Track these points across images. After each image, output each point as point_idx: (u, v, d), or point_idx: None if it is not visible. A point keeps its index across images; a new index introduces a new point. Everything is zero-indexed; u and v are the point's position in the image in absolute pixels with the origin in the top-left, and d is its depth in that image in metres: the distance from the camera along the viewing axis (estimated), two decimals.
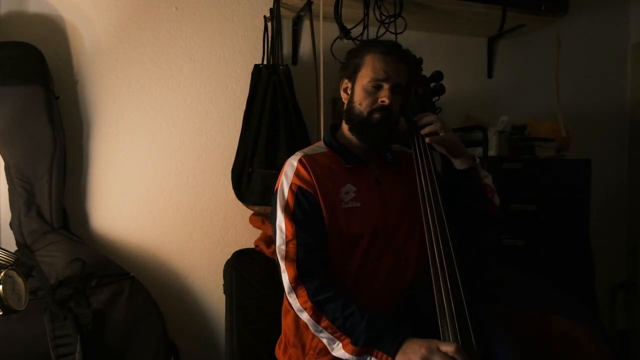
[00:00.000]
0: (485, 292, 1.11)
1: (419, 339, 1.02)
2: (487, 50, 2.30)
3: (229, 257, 1.70)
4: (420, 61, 1.48)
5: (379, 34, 1.72)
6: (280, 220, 1.23)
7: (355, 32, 1.77)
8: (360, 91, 1.28)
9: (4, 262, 1.14)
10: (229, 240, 1.90)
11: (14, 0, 1.66)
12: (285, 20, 1.95)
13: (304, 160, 1.28)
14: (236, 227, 1.91)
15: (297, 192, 1.23)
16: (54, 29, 1.70)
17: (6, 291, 1.08)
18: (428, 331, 1.05)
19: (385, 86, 1.25)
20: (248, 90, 1.82)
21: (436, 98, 1.48)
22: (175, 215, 1.84)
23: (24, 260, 1.22)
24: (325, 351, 1.19)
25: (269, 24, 1.89)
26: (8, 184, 1.60)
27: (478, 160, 1.34)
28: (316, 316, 1.11)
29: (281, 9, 1.87)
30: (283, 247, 1.20)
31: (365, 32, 1.77)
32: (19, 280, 1.15)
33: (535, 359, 0.98)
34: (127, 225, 1.79)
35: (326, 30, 1.79)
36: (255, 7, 1.93)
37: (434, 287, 1.07)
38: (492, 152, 1.96)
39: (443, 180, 1.35)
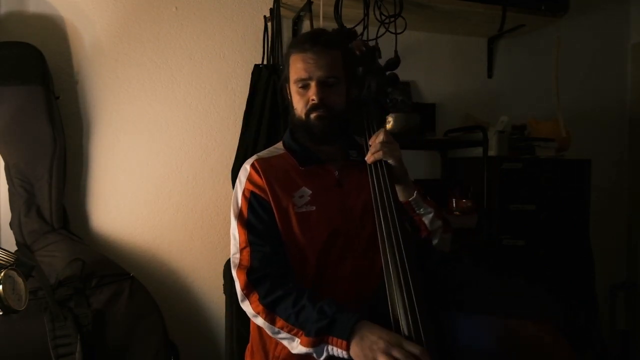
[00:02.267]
0: (448, 298, 1.05)
1: (377, 327, 0.96)
2: (487, 50, 2.31)
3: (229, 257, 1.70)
4: (372, 50, 1.37)
5: (379, 34, 1.72)
6: (234, 227, 1.21)
7: None
8: (294, 95, 1.23)
9: (4, 262, 1.14)
10: (229, 240, 1.89)
11: (14, 0, 1.66)
12: (285, 20, 1.95)
13: (256, 165, 1.23)
14: None
15: (251, 197, 1.20)
16: (54, 29, 1.70)
17: (6, 291, 1.08)
18: None
19: (312, 84, 1.18)
20: (248, 90, 1.82)
21: (390, 89, 1.40)
22: (175, 215, 1.84)
23: (24, 260, 1.22)
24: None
25: (269, 24, 1.89)
26: (8, 184, 1.60)
27: (415, 195, 1.22)
28: (270, 318, 1.08)
29: (281, 9, 1.87)
30: (237, 255, 1.18)
31: (365, 32, 1.77)
32: (19, 280, 1.15)
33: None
34: (127, 225, 1.79)
35: None
36: (255, 7, 1.93)
37: (387, 294, 1.00)
38: (492, 152, 1.96)
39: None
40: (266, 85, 1.79)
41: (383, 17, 1.74)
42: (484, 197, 1.95)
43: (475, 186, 2.00)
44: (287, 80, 1.27)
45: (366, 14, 1.77)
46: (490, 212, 1.94)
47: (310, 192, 1.21)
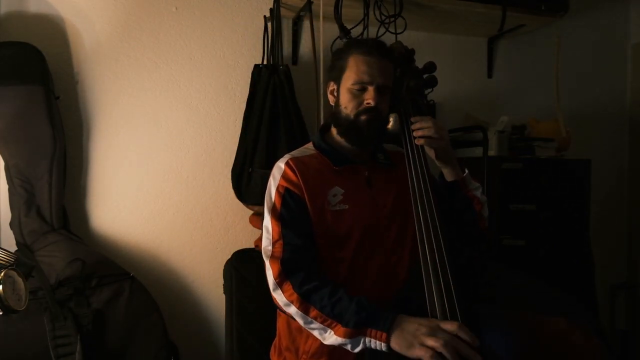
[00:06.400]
0: (480, 292, 1.11)
1: (416, 318, 1.00)
2: (487, 50, 2.31)
3: (229, 257, 1.70)
4: (411, 52, 1.44)
5: (379, 34, 1.72)
6: (267, 221, 1.25)
7: (355, 32, 1.77)
8: (345, 94, 1.27)
9: (4, 262, 1.14)
10: (229, 240, 1.90)
11: (14, 0, 1.66)
12: (285, 20, 1.95)
13: (291, 163, 1.28)
14: (236, 227, 1.91)
15: (284, 193, 1.24)
16: (54, 29, 1.70)
17: (6, 291, 1.08)
18: None
19: (370, 88, 1.24)
20: (248, 90, 1.82)
21: (429, 90, 1.45)
22: (176, 215, 1.84)
23: (24, 260, 1.22)
24: (318, 354, 1.19)
25: (269, 24, 1.89)
26: (8, 184, 1.60)
27: (467, 171, 1.32)
28: (304, 307, 1.10)
29: (281, 9, 1.87)
30: (269, 247, 1.21)
31: (365, 32, 1.77)
32: (19, 280, 1.15)
33: (530, 357, 0.97)
34: (127, 225, 1.79)
35: (326, 30, 1.79)
36: (255, 7, 1.93)
37: (424, 284, 1.05)
38: (492, 152, 1.96)
39: (436, 182, 1.35)
40: (266, 86, 1.79)
41: (383, 17, 1.74)
42: None
43: None
44: (337, 80, 1.31)
45: (366, 14, 1.77)
46: (490, 212, 1.94)
47: (342, 191, 1.27)
